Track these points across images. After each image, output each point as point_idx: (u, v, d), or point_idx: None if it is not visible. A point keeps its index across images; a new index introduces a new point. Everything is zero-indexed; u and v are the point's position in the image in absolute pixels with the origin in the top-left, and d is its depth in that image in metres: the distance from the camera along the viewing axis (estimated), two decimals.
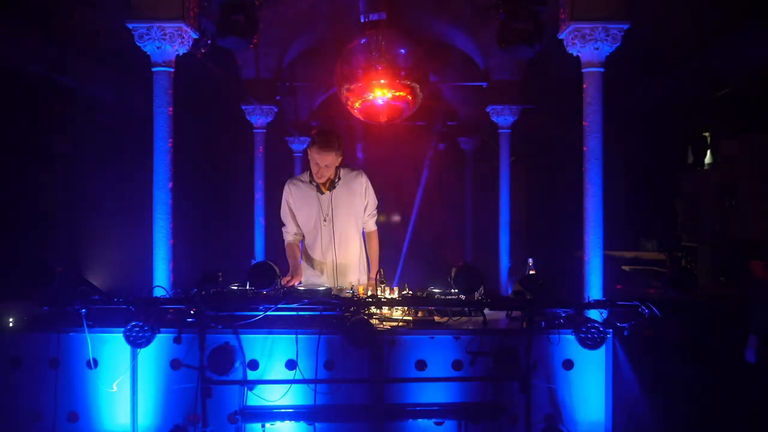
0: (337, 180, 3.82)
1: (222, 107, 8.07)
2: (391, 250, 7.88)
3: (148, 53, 4.19)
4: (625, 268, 7.37)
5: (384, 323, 3.21)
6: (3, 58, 5.86)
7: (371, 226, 3.99)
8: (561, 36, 4.23)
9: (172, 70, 4.20)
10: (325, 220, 3.84)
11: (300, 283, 3.87)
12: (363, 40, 5.83)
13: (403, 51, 5.92)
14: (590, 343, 2.94)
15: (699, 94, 7.67)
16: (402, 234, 9.24)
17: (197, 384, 2.99)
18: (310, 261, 3.96)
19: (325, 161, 3.69)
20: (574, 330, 2.99)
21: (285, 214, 3.95)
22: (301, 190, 3.89)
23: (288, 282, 3.71)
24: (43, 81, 6.51)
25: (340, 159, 3.77)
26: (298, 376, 3.07)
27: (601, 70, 4.11)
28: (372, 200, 3.94)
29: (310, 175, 3.83)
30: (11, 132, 6.29)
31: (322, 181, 3.79)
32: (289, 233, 3.98)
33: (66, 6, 5.88)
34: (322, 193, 3.82)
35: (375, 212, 3.98)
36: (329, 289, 3.44)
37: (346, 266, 3.89)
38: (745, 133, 7.01)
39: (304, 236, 3.97)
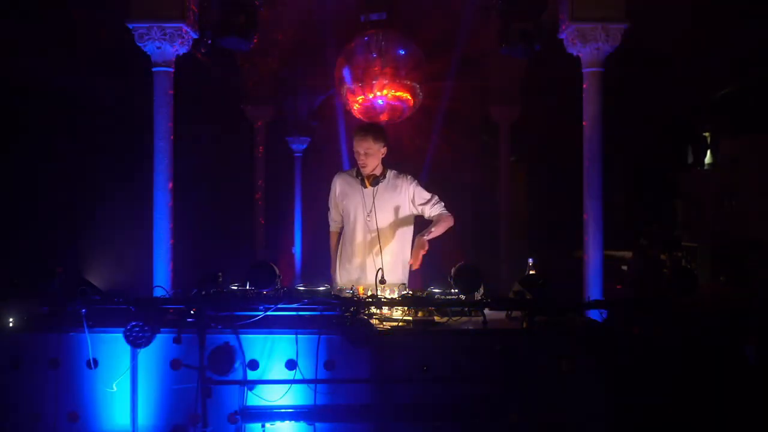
0: (382, 178, 3.90)
1: (222, 107, 8.07)
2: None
3: (148, 53, 4.19)
4: (625, 268, 7.37)
5: (384, 323, 3.21)
6: (3, 58, 5.86)
7: (437, 211, 3.96)
8: (561, 36, 4.24)
9: (172, 70, 4.21)
10: (368, 215, 3.89)
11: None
12: (363, 40, 5.83)
13: (403, 51, 5.93)
14: (586, 342, 2.94)
15: (699, 94, 7.67)
16: None
17: (197, 384, 2.99)
18: (348, 255, 3.99)
19: (362, 147, 3.80)
20: (571, 330, 2.99)
21: (331, 202, 4.09)
22: (347, 181, 3.99)
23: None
24: (43, 81, 6.51)
25: (383, 149, 3.87)
26: (298, 376, 3.07)
27: (601, 70, 4.12)
28: (424, 199, 3.94)
29: (357, 169, 3.94)
30: (11, 132, 6.29)
31: (367, 171, 3.88)
32: (334, 221, 4.11)
33: (66, 6, 5.88)
34: (365, 187, 3.89)
35: (435, 202, 3.96)
36: (329, 289, 3.44)
37: (388, 264, 3.87)
38: (745, 133, 7.00)
39: (344, 230, 4.06)
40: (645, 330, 3.01)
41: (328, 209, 4.14)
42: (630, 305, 2.98)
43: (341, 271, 4.04)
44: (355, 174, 3.97)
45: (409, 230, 4.01)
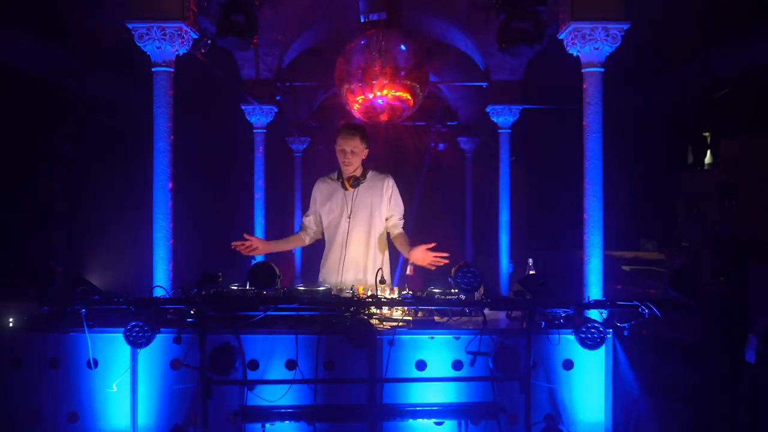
0: (362, 179, 3.91)
1: (222, 107, 8.07)
2: (391, 249, 7.86)
3: (148, 53, 4.19)
4: (625, 268, 7.37)
5: (384, 323, 3.21)
6: (3, 57, 5.86)
7: (400, 229, 4.00)
8: (561, 36, 4.23)
9: (172, 70, 4.20)
10: (349, 218, 3.90)
11: (255, 259, 3.89)
12: (363, 40, 5.83)
13: (403, 51, 5.92)
14: (590, 343, 2.94)
15: (699, 94, 7.67)
16: None
17: (197, 384, 2.99)
18: (330, 257, 3.98)
19: (350, 146, 3.82)
20: (574, 330, 3.00)
21: (310, 208, 4.08)
22: (329, 186, 4.00)
23: (244, 245, 3.77)
24: (43, 81, 6.51)
25: (365, 150, 3.90)
26: (298, 377, 3.07)
27: (601, 70, 4.12)
28: (397, 206, 3.98)
29: (339, 173, 3.96)
30: (11, 132, 6.29)
31: (350, 170, 3.88)
32: (303, 224, 4.09)
33: (66, 6, 5.88)
34: (346, 189, 3.90)
35: (401, 218, 4.00)
36: (329, 289, 3.44)
37: (366, 265, 3.91)
38: (745, 133, 7.01)
39: (323, 234, 4.05)
40: (647, 330, 3.01)
41: (305, 214, 4.13)
42: (630, 305, 2.97)
43: (325, 274, 4.00)
44: (336, 177, 3.98)
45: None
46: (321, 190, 4.03)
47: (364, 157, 3.93)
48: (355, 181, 3.90)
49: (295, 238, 4.15)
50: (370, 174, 3.96)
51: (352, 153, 3.84)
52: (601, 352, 3.13)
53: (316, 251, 4.27)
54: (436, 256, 3.60)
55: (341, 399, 3.09)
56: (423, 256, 3.64)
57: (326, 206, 3.99)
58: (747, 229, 6.62)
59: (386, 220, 3.98)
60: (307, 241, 4.10)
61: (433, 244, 3.62)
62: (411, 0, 6.52)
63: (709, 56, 6.60)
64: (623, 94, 7.46)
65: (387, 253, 4.02)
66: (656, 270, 7.23)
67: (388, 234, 4.04)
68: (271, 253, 4.23)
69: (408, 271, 3.84)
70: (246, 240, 3.81)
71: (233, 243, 3.79)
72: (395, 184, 4.00)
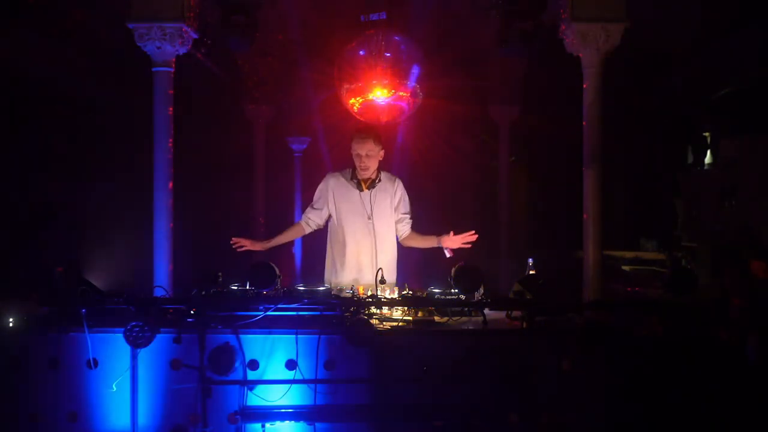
0: (378, 181, 3.88)
1: (222, 107, 8.07)
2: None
3: (148, 53, 4.20)
4: (625, 268, 7.37)
5: (384, 323, 3.21)
6: (2, 58, 5.86)
7: (409, 230, 3.99)
8: (561, 36, 4.24)
9: (172, 70, 4.21)
10: (369, 218, 3.87)
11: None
12: (363, 40, 5.83)
13: (403, 51, 5.93)
14: (586, 343, 2.94)
15: (699, 94, 7.67)
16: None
17: (197, 384, 2.99)
18: (347, 258, 3.93)
19: (364, 149, 3.77)
20: (571, 330, 3.00)
21: (318, 201, 3.97)
22: (343, 184, 3.93)
23: (241, 242, 3.80)
24: (43, 81, 6.51)
25: (380, 152, 3.86)
26: (299, 376, 3.07)
27: (601, 70, 4.12)
28: (406, 207, 3.97)
29: (352, 172, 3.90)
30: (11, 132, 6.29)
31: (367, 174, 3.84)
32: (308, 217, 3.98)
33: (65, 6, 5.89)
34: (362, 190, 3.87)
35: (409, 220, 3.99)
36: (329, 289, 3.44)
37: (384, 265, 3.86)
38: (745, 133, 7.01)
39: (321, 227, 4.01)
40: (647, 330, 3.01)
41: (311, 206, 4.00)
42: (629, 306, 2.98)
43: (337, 274, 3.96)
44: (350, 177, 3.91)
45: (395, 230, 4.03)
46: (334, 187, 3.94)
47: (381, 158, 3.88)
48: (372, 183, 3.87)
49: (296, 228, 4.06)
50: (383, 175, 3.93)
51: (368, 156, 3.79)
52: (597, 352, 3.12)
53: (316, 251, 4.25)
54: (464, 237, 3.74)
55: (341, 399, 3.08)
56: (453, 240, 3.76)
57: (342, 206, 3.92)
58: (747, 229, 6.61)
59: (396, 222, 3.96)
60: (308, 231, 4.04)
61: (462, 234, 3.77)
62: (411, 0, 6.53)
63: (709, 56, 6.60)
64: (623, 94, 7.46)
65: (396, 252, 4.01)
66: (656, 270, 7.22)
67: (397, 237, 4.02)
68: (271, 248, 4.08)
69: (448, 254, 3.81)
70: (237, 240, 3.82)
71: (233, 239, 3.78)
72: (403, 186, 3.99)
